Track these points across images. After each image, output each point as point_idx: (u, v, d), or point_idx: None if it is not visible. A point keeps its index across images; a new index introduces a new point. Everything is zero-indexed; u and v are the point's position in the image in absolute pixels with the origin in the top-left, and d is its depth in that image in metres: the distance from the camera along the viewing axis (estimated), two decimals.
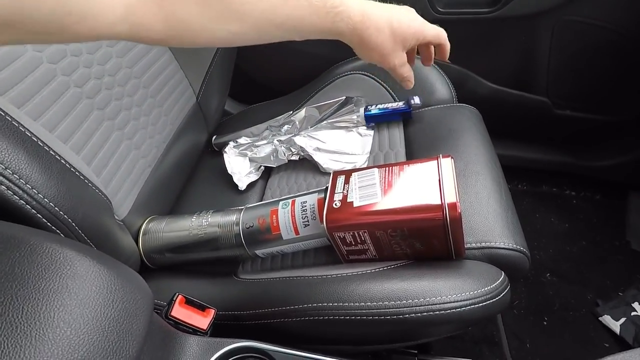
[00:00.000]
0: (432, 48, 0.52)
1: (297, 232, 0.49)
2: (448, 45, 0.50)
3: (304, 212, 0.48)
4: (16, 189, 0.33)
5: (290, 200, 0.51)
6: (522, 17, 0.79)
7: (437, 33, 0.48)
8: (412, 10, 0.46)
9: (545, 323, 0.80)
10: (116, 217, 0.51)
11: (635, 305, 0.81)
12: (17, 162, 0.33)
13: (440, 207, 0.39)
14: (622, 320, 0.78)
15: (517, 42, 0.86)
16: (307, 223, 0.48)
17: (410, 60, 0.49)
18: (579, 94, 0.89)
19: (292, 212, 0.49)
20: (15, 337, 0.22)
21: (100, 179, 0.50)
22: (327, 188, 0.49)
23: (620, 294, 0.83)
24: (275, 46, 1.02)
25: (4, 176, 0.32)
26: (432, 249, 0.43)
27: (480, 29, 0.84)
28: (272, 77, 0.97)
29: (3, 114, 0.33)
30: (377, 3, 0.42)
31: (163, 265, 0.57)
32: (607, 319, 0.79)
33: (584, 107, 0.91)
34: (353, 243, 0.45)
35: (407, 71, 0.47)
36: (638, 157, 0.93)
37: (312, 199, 0.49)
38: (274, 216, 0.50)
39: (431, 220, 0.40)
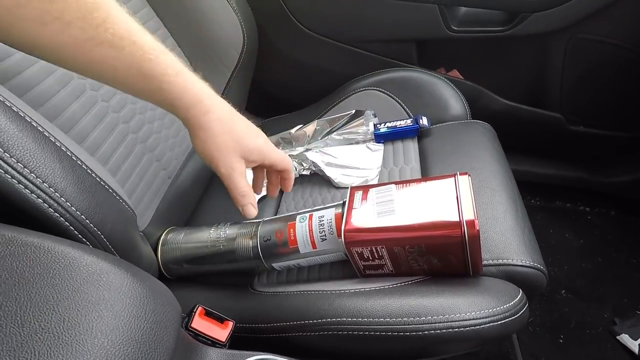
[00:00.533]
0: (279, 176, 0.48)
1: (314, 246, 0.49)
2: (292, 174, 0.47)
3: (321, 227, 0.49)
4: (52, 202, 0.34)
5: (307, 215, 0.51)
6: (535, 36, 0.80)
7: (283, 157, 0.45)
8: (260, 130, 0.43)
9: (561, 341, 0.79)
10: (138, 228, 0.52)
11: None
12: (53, 175, 0.35)
13: (458, 224, 0.40)
14: None
15: (530, 59, 0.87)
16: (324, 237, 0.49)
17: (257, 187, 0.45)
18: (593, 110, 0.89)
19: (309, 226, 0.50)
20: (57, 346, 0.23)
21: (124, 190, 0.51)
22: (344, 203, 0.50)
23: (638, 312, 0.82)
24: (292, 62, 1.05)
25: (41, 189, 0.33)
26: (449, 266, 0.43)
27: (493, 47, 0.86)
28: (288, 91, 0.99)
29: (41, 129, 0.35)
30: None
31: (180, 276, 0.58)
32: (625, 338, 0.78)
33: (597, 123, 0.91)
34: (370, 258, 0.45)
35: (245, 188, 0.41)
36: None
37: (329, 214, 0.50)
38: (292, 230, 0.51)
39: (449, 238, 0.40)
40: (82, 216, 0.36)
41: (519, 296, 0.41)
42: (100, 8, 0.31)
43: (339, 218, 0.49)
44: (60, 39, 0.30)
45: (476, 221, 0.40)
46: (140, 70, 0.34)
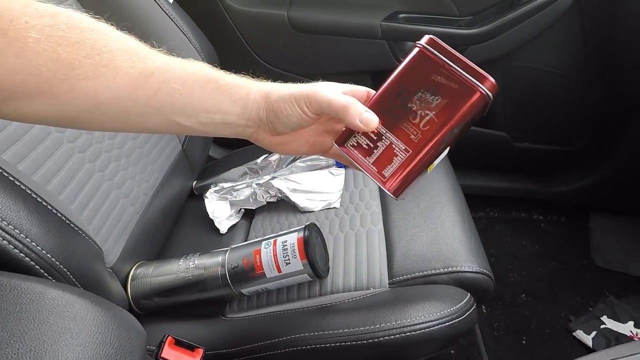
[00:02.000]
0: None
1: (279, 270, 0.52)
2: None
3: (284, 251, 0.52)
4: (17, 242, 0.35)
5: (272, 240, 0.54)
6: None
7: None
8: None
9: (524, 342, 0.84)
10: (105, 264, 0.53)
11: (604, 318, 0.85)
12: (18, 217, 0.36)
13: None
14: (594, 333, 0.83)
15: None
16: (288, 261, 0.51)
17: None
18: (534, 128, 0.98)
19: (274, 252, 0.52)
20: None
21: (91, 227, 0.53)
22: (305, 227, 0.53)
23: (590, 309, 0.88)
24: None
25: (6, 231, 0.35)
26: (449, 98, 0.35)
27: None
28: None
29: (6, 174, 0.36)
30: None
31: (151, 310, 0.58)
32: (580, 334, 0.83)
33: (540, 139, 1.00)
34: (371, 144, 0.37)
35: (355, 106, 0.35)
36: (595, 182, 1.01)
37: (292, 238, 0.53)
38: (257, 256, 0.53)
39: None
40: (48, 255, 0.37)
41: (466, 299, 0.45)
42: (140, 47, 0.33)
43: (300, 242, 0.52)
44: (116, 82, 0.31)
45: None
46: (196, 82, 0.34)
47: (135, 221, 0.63)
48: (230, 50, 0.91)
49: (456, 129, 0.36)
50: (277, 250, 0.53)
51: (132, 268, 0.59)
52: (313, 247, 0.52)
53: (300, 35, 0.89)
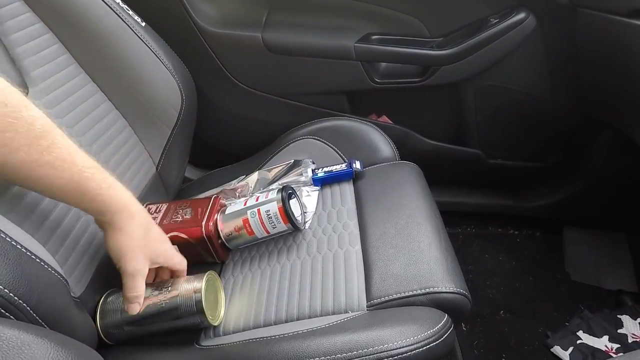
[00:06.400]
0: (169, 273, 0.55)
1: None
2: (185, 274, 0.55)
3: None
4: None
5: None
6: (447, 85, 0.92)
7: (181, 260, 0.53)
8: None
9: None
10: (72, 294, 0.51)
11: (579, 333, 0.87)
12: None
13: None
14: (570, 349, 0.84)
15: (447, 104, 0.99)
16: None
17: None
18: (506, 145, 1.01)
19: None
20: None
21: (57, 257, 0.50)
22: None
23: (567, 324, 0.89)
24: (232, 116, 1.10)
25: None
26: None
27: (414, 95, 0.96)
28: (230, 144, 1.03)
29: None
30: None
31: (122, 341, 0.56)
32: (557, 350, 0.84)
33: (512, 156, 1.03)
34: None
35: (142, 290, 0.48)
36: (567, 196, 1.05)
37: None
38: None
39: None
40: (5, 290, 0.35)
41: (443, 321, 0.45)
42: (46, 135, 0.37)
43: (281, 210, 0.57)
44: (7, 159, 0.35)
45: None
46: (77, 187, 0.40)
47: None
48: (206, 72, 0.91)
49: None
50: None
51: (102, 296, 0.57)
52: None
53: (275, 57, 0.90)
